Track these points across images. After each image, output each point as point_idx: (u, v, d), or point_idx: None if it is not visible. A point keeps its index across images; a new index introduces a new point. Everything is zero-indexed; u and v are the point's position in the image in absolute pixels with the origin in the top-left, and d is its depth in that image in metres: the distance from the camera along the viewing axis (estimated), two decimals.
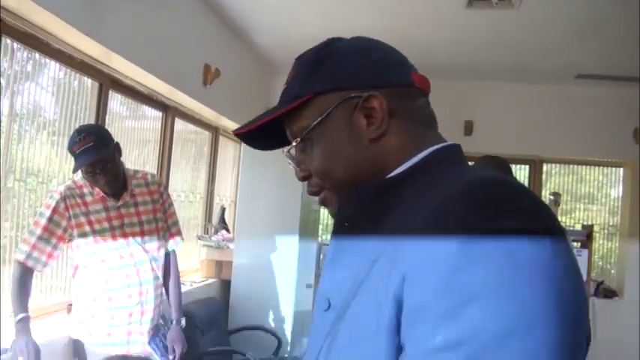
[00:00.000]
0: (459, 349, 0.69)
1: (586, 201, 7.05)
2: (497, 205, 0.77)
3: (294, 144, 1.04)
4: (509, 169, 3.73)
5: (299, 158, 1.05)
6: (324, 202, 1.07)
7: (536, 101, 6.51)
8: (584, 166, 6.98)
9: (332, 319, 0.94)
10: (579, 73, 6.04)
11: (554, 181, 7.03)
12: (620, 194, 6.93)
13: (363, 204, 0.99)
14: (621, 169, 6.88)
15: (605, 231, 6.90)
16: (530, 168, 6.89)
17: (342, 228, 1.06)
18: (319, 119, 0.99)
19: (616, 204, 6.95)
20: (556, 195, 6.42)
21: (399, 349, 0.78)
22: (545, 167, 6.92)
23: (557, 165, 6.98)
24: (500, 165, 3.51)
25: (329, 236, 6.43)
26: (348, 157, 0.98)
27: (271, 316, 5.20)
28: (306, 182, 1.08)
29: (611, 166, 6.92)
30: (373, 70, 0.99)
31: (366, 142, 0.97)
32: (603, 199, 7.05)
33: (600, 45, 5.14)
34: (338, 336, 0.91)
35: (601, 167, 6.97)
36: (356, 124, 0.97)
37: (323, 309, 1.00)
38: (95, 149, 2.90)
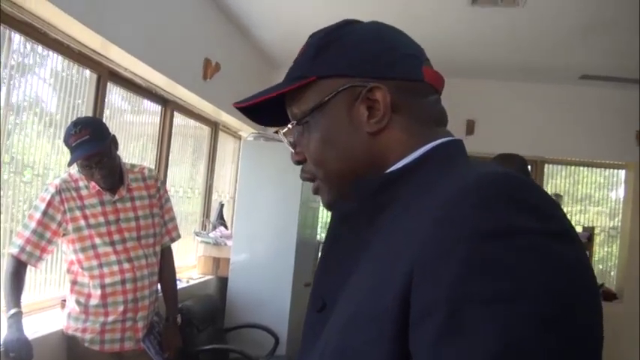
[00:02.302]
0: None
1: (586, 203, 7.01)
2: (513, 200, 0.72)
3: (289, 126, 1.00)
4: (527, 169, 3.70)
5: (296, 141, 1.01)
6: (316, 191, 1.02)
7: (539, 101, 6.47)
8: (583, 168, 6.93)
9: (327, 320, 0.90)
10: (583, 74, 6.00)
11: (554, 182, 6.99)
12: (621, 197, 6.89)
13: (361, 200, 0.95)
14: (622, 171, 6.84)
15: (605, 233, 6.86)
16: (531, 169, 6.85)
17: (339, 225, 1.04)
18: (318, 104, 0.94)
19: (616, 206, 6.91)
20: (557, 196, 6.40)
21: (405, 353, 0.72)
22: (546, 168, 6.88)
23: (558, 166, 6.93)
24: (519, 163, 3.47)
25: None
26: (343, 149, 0.94)
27: (268, 314, 5.15)
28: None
29: (613, 168, 6.87)
30: (381, 60, 0.93)
31: (364, 135, 0.93)
32: (602, 201, 7.01)
33: (606, 46, 5.09)
34: (334, 338, 0.85)
35: (600, 169, 6.92)
36: (356, 115, 0.93)
37: (317, 309, 0.97)
38: (91, 142, 2.85)
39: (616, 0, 4.14)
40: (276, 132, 1.08)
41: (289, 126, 1.00)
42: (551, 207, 0.74)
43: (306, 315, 1.04)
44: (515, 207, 0.71)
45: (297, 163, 1.02)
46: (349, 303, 0.85)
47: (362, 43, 0.95)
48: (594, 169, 6.92)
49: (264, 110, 1.04)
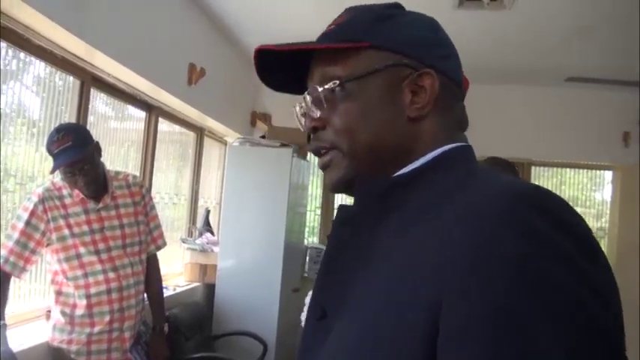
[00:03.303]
0: None
1: (573, 204, 7.02)
2: (548, 219, 0.68)
3: (322, 88, 0.92)
4: (516, 171, 3.69)
5: (317, 105, 0.94)
6: (327, 165, 0.95)
7: (525, 103, 6.49)
8: (568, 170, 6.95)
9: (330, 328, 0.86)
10: (569, 76, 6.00)
11: (540, 184, 6.99)
12: (606, 198, 6.91)
13: (367, 203, 0.92)
14: (608, 172, 6.87)
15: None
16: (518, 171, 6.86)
17: (341, 229, 0.98)
18: (366, 73, 0.89)
19: (601, 207, 6.93)
20: None
21: None
22: (533, 170, 6.89)
23: (545, 168, 6.94)
24: (507, 167, 3.47)
25: (315, 239, 6.38)
26: (381, 124, 0.89)
27: (256, 320, 5.11)
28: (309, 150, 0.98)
29: (600, 169, 6.89)
30: (438, 50, 0.92)
31: (403, 118, 0.89)
32: (588, 203, 7.03)
33: (591, 48, 5.11)
34: (346, 355, 0.79)
35: (585, 170, 6.94)
36: (399, 96, 0.89)
37: (317, 317, 0.92)
38: (74, 149, 2.81)
39: (600, 4, 4.15)
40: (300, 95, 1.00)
41: (321, 88, 0.92)
42: (585, 227, 0.71)
43: (305, 321, 0.98)
44: (551, 226, 0.67)
45: (313, 130, 0.96)
46: (359, 316, 0.80)
47: (422, 27, 0.93)
48: (579, 170, 6.94)
49: (278, 70, 1.01)
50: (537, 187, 0.74)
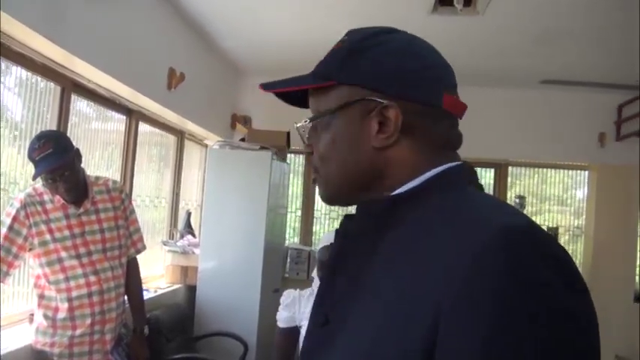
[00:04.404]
0: None
1: (552, 203, 7.12)
2: (540, 255, 0.74)
3: (304, 122, 1.04)
4: (475, 173, 3.74)
5: (309, 133, 1.04)
6: (314, 181, 1.06)
7: (501, 105, 6.56)
8: (549, 169, 7.06)
9: (334, 335, 0.92)
10: (544, 79, 6.11)
11: (521, 183, 7.09)
12: (584, 197, 7.02)
13: (365, 220, 0.98)
14: (586, 172, 6.98)
15: (570, 232, 6.98)
16: (495, 171, 6.95)
17: (346, 240, 1.04)
18: (334, 109, 0.97)
19: (580, 206, 7.04)
20: (521, 198, 6.52)
21: None
22: (510, 170, 6.98)
23: (523, 168, 7.04)
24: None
25: (296, 240, 6.44)
26: (348, 155, 0.97)
27: (237, 321, 5.16)
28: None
29: (576, 169, 7.00)
30: (405, 80, 0.95)
31: (369, 148, 0.95)
32: (569, 201, 7.13)
33: (565, 51, 5.19)
34: (344, 355, 0.87)
35: (567, 170, 7.05)
36: (367, 127, 0.95)
37: (320, 324, 0.98)
38: (54, 155, 2.86)
39: (571, 9, 4.23)
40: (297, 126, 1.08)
41: (303, 122, 1.04)
42: (571, 262, 0.77)
43: (307, 326, 1.06)
44: (542, 262, 0.72)
45: (308, 153, 1.06)
46: (360, 333, 0.84)
47: (391, 58, 0.96)
48: (559, 169, 7.05)
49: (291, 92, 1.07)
50: (526, 220, 0.79)
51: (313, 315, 1.03)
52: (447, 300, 0.72)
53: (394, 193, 0.95)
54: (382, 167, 0.96)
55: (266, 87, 1.05)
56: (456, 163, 0.98)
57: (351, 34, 1.03)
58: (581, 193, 7.09)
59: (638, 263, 6.68)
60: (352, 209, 1.05)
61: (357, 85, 0.96)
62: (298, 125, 1.05)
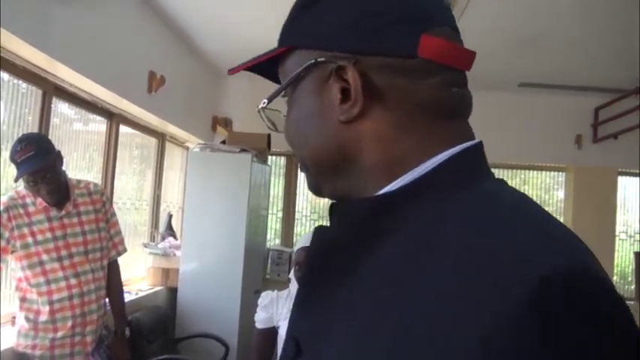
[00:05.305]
0: None
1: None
2: (599, 295, 0.56)
3: (263, 104, 0.84)
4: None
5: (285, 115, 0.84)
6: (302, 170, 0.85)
7: (480, 108, 6.48)
8: (531, 170, 7.15)
9: None
10: (522, 82, 6.19)
11: None
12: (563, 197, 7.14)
13: (350, 225, 0.77)
14: (564, 173, 7.09)
15: None
16: None
17: (319, 255, 0.84)
18: (291, 79, 0.77)
19: (561, 205, 7.17)
20: None
21: None
22: None
23: (502, 170, 7.11)
24: None
25: (277, 241, 6.43)
26: (313, 134, 0.77)
27: (218, 322, 5.18)
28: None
29: (553, 171, 7.11)
30: (361, 27, 0.72)
31: (335, 122, 0.74)
32: (550, 201, 7.22)
33: (542, 55, 5.27)
34: None
35: (546, 171, 7.15)
36: (327, 97, 0.74)
37: (290, 355, 0.78)
38: (36, 158, 2.88)
39: (549, 13, 4.31)
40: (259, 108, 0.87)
41: (263, 103, 0.84)
42: (624, 321, 0.57)
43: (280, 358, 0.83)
44: (600, 301, 0.55)
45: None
46: (339, 353, 0.68)
47: (344, 3, 0.74)
48: (541, 171, 7.16)
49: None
50: (585, 259, 0.60)
51: (284, 344, 0.83)
52: (498, 333, 0.53)
53: (382, 191, 0.72)
54: (354, 146, 0.74)
55: (233, 70, 0.86)
56: (467, 144, 0.74)
57: None
58: (562, 193, 7.19)
59: (615, 263, 6.80)
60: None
61: (311, 47, 0.76)
62: (259, 108, 0.85)
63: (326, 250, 0.82)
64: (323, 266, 0.81)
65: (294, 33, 0.79)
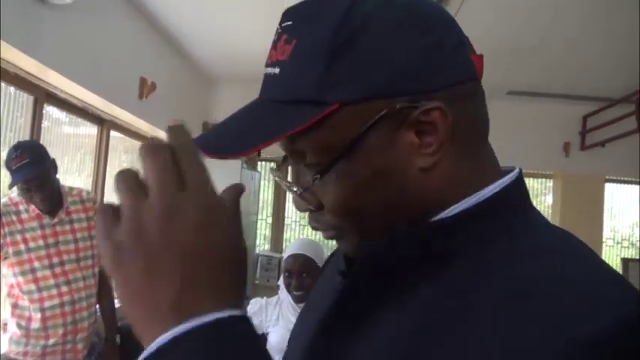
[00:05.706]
0: None
1: None
2: None
3: (311, 182, 0.66)
4: None
5: (302, 183, 0.68)
6: (333, 238, 0.72)
7: None
8: None
9: None
10: (510, 90, 6.24)
11: None
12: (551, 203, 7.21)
13: (397, 251, 0.67)
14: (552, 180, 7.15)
15: None
16: None
17: (344, 278, 0.76)
18: (349, 145, 0.63)
19: (549, 211, 7.24)
20: None
21: None
22: None
23: None
24: None
25: (267, 247, 6.42)
26: (389, 195, 0.65)
27: None
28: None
29: (542, 178, 7.18)
30: (428, 61, 0.62)
31: (414, 172, 0.64)
32: (539, 207, 7.25)
33: (531, 63, 5.32)
34: None
35: (534, 178, 7.21)
36: (402, 146, 0.63)
37: None
38: (31, 165, 2.89)
39: (537, 22, 4.35)
40: (273, 169, 0.77)
41: (307, 184, 0.67)
42: None
43: None
44: None
45: (306, 210, 0.72)
46: None
47: (394, 39, 0.62)
48: (530, 178, 7.22)
49: None
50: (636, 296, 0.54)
51: (289, 352, 0.78)
52: None
53: (436, 218, 0.65)
54: (438, 192, 0.65)
55: (211, 151, 0.66)
56: (513, 172, 0.70)
57: (291, 12, 0.70)
58: (551, 198, 7.26)
59: None
60: None
61: (371, 98, 0.62)
62: (298, 192, 0.69)
63: (372, 274, 0.70)
64: (341, 296, 0.73)
65: (337, 86, 0.61)
